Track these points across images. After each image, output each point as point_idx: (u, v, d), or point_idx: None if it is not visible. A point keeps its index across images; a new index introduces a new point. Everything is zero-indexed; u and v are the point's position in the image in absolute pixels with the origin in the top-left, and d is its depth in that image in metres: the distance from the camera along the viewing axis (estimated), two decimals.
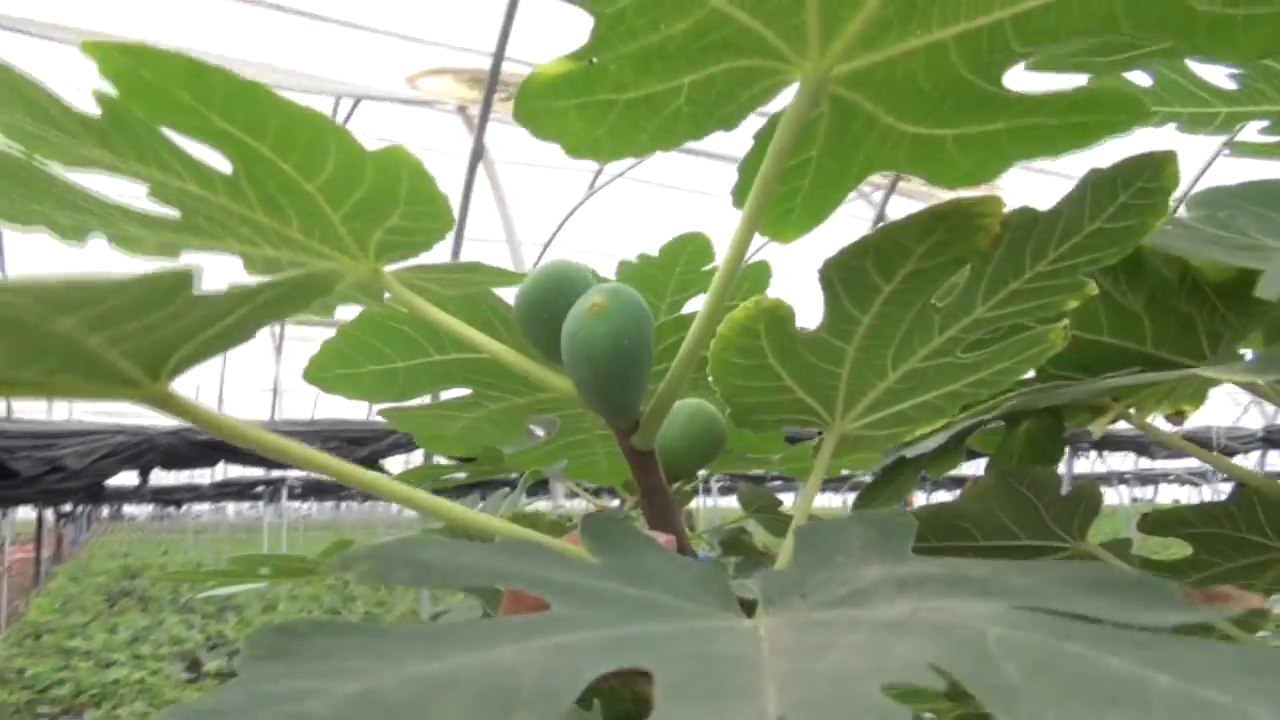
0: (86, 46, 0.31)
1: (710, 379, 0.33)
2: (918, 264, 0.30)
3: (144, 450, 3.83)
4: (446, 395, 0.61)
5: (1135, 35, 0.29)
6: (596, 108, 0.32)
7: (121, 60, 0.30)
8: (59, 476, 3.53)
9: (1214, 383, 0.45)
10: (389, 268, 0.38)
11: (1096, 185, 0.29)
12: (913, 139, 0.32)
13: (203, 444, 4.02)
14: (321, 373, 0.56)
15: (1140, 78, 0.56)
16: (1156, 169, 0.28)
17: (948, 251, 0.30)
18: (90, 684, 6.24)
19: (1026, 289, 0.31)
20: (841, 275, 0.30)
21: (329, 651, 0.17)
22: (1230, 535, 0.53)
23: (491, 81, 5.08)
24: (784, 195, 0.34)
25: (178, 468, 4.80)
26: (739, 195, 0.32)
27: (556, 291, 0.35)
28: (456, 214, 0.47)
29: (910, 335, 0.33)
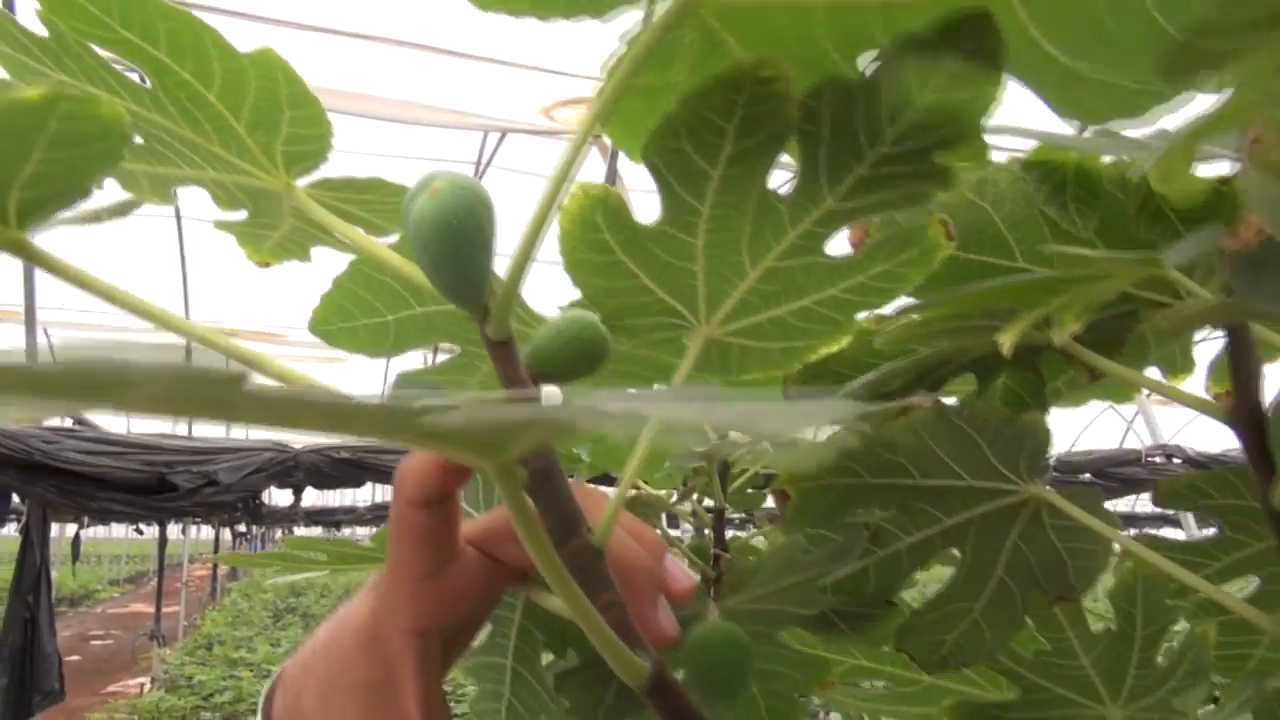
0: None
1: (572, 282, 0.33)
2: (735, 145, 0.29)
3: (290, 467, 4.05)
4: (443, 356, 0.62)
5: None
6: None
7: None
8: (213, 490, 3.77)
9: (1188, 324, 0.42)
10: (300, 182, 0.39)
11: (919, 49, 0.27)
12: None
13: (345, 462, 4.21)
14: (324, 325, 0.57)
15: None
16: (977, 29, 0.26)
17: (761, 127, 0.28)
18: (250, 693, 6.61)
19: (877, 176, 0.30)
20: (665, 159, 0.30)
21: None
22: (1254, 508, 0.48)
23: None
24: (641, 111, 0.33)
25: (324, 486, 5.04)
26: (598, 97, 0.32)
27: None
28: None
29: (760, 229, 0.31)
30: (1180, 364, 0.55)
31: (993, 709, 0.49)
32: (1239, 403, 0.38)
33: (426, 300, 0.55)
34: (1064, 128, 0.37)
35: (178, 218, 7.96)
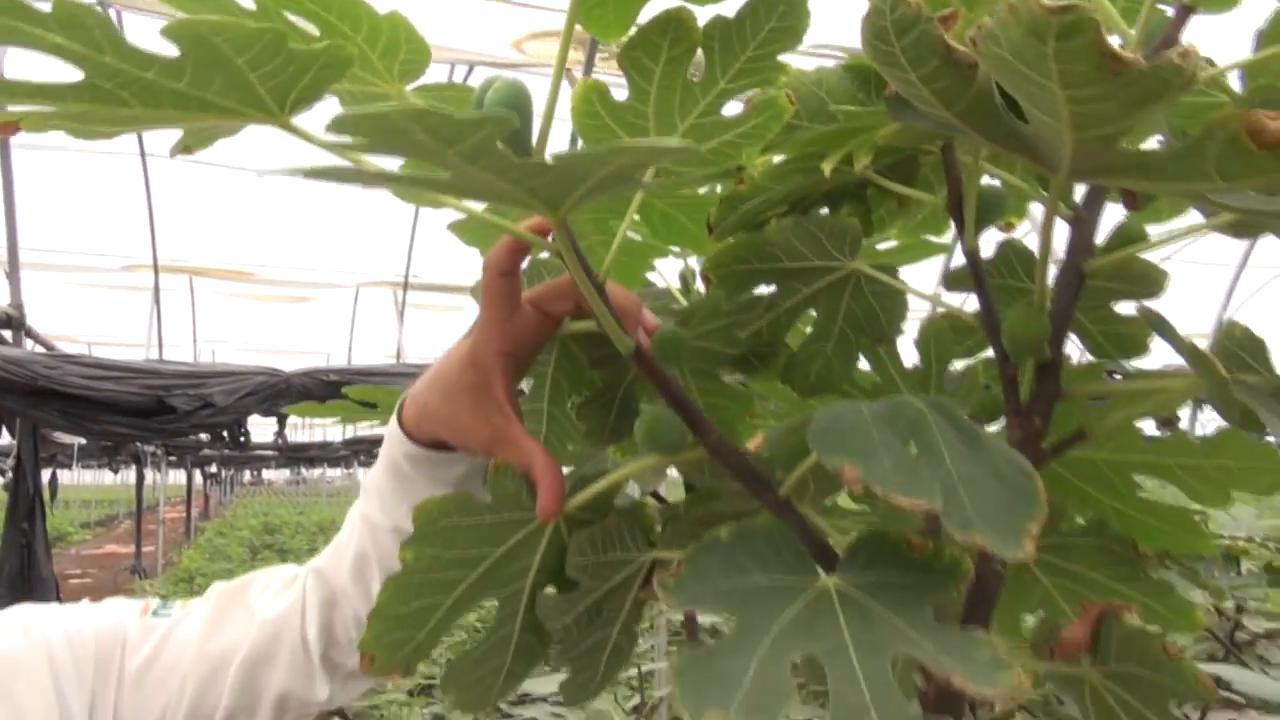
0: None
1: (578, 135, 0.59)
2: (668, 53, 0.54)
3: (281, 390, 4.30)
4: None
5: None
6: None
7: None
8: (210, 412, 4.02)
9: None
10: (407, 88, 0.65)
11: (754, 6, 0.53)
12: None
13: (333, 384, 4.47)
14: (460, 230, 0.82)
15: None
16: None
17: (681, 44, 0.54)
18: None
19: (746, 69, 0.56)
20: (630, 62, 0.56)
21: None
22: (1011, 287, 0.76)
23: (593, 43, 5.37)
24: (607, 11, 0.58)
25: (312, 412, 5.29)
26: None
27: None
28: None
29: (684, 101, 0.57)
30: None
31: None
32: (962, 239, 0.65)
33: None
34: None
35: (142, 155, 8.04)
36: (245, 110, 0.53)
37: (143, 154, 8.01)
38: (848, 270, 0.69)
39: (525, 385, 0.77)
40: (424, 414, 0.70)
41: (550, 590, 0.68)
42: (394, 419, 0.73)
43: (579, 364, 0.74)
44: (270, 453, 12.89)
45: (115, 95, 0.52)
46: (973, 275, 0.62)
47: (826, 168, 0.62)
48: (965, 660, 0.39)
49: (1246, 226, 0.64)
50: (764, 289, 0.71)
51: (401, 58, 0.63)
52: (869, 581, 0.45)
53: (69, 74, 0.52)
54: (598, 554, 0.65)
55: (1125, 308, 0.70)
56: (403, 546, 0.61)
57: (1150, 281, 0.71)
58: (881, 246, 0.82)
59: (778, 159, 0.67)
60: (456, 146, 0.41)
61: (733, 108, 0.61)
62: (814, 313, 0.72)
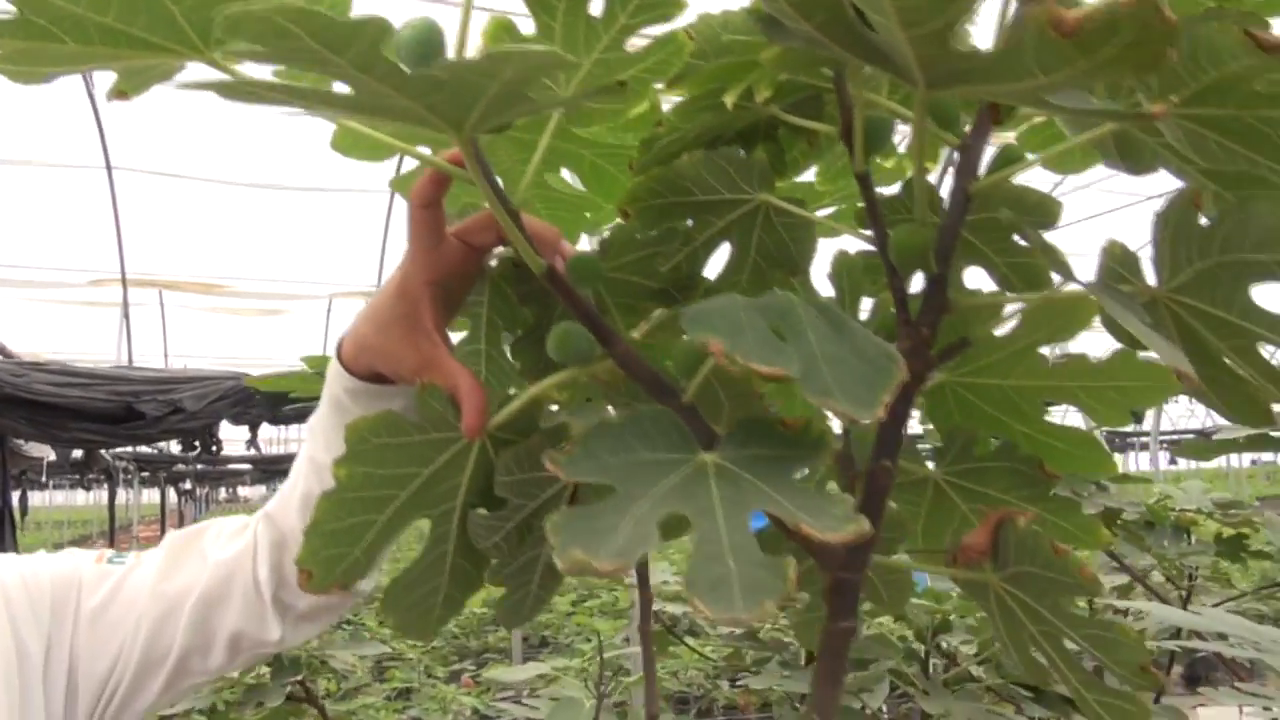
0: None
1: None
2: None
3: (251, 395, 4.30)
4: None
5: None
6: None
7: None
8: (179, 417, 4.02)
9: None
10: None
11: None
12: None
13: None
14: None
15: None
16: None
17: None
18: None
19: (645, 4, 0.60)
20: (537, 3, 0.60)
21: None
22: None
23: None
24: None
25: (279, 421, 5.31)
26: None
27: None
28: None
29: (588, 37, 0.61)
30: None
31: None
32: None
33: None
34: None
35: (108, 168, 8.01)
36: (171, 45, 0.56)
37: (108, 166, 7.98)
38: (757, 202, 0.73)
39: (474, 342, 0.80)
40: (360, 347, 0.74)
41: (482, 511, 0.71)
42: (334, 356, 0.77)
43: (511, 303, 0.78)
44: (245, 467, 12.80)
45: (49, 31, 0.56)
46: (863, 196, 0.66)
47: (728, 100, 0.66)
48: (817, 514, 0.44)
49: (1127, 152, 0.69)
50: (680, 224, 0.75)
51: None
52: (744, 456, 0.49)
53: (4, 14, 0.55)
54: (524, 472, 0.68)
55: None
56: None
57: (1045, 211, 0.75)
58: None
59: (687, 97, 0.71)
60: (345, 54, 0.44)
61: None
62: (729, 245, 0.76)
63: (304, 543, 0.66)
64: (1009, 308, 0.77)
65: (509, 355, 0.80)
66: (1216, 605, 2.41)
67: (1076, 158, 0.81)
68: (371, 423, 0.65)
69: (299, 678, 1.93)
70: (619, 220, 0.73)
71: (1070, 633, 0.66)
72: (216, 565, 0.84)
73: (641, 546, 0.41)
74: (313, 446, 0.81)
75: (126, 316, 9.66)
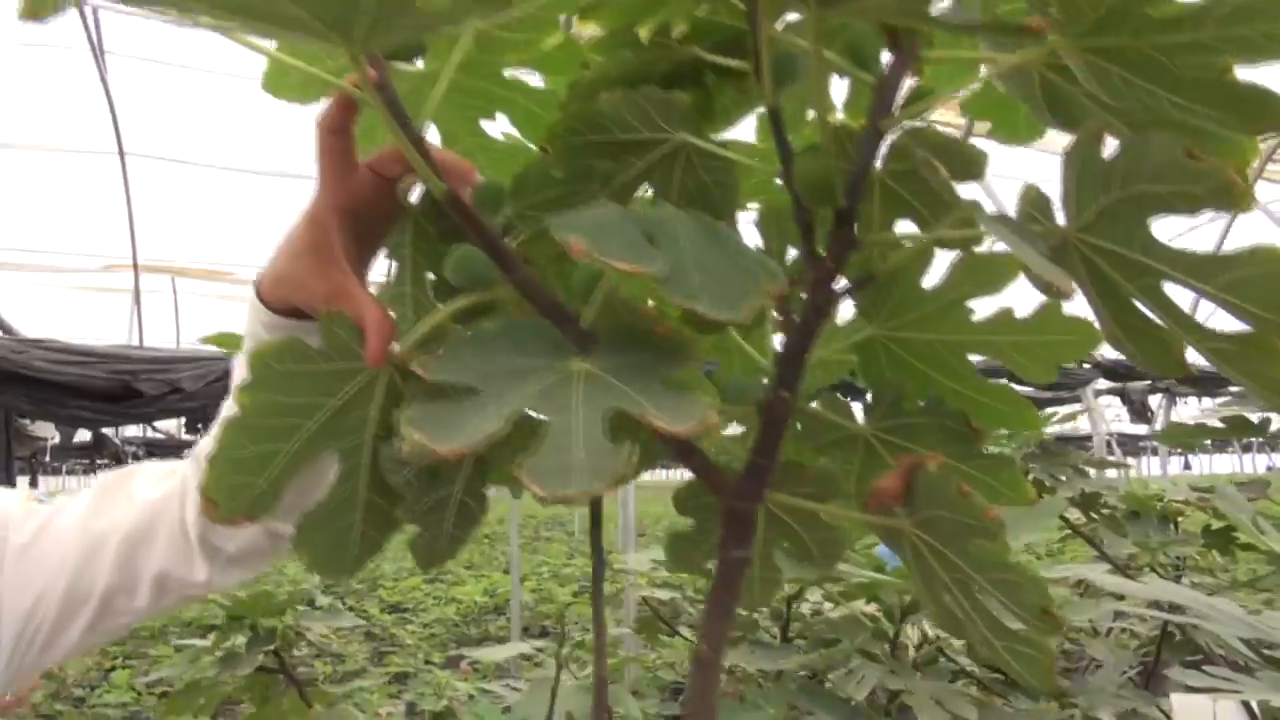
0: None
1: None
2: None
3: None
4: None
5: None
6: None
7: None
8: (178, 397, 4.04)
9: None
10: None
11: None
12: None
13: None
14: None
15: None
16: None
17: None
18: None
19: None
20: None
21: None
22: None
23: None
24: None
25: None
26: None
27: None
28: None
29: None
30: None
31: None
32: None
33: None
34: None
35: (121, 154, 8.05)
36: None
37: (121, 152, 8.03)
38: (677, 142, 0.73)
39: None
40: (276, 279, 0.73)
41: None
42: (252, 291, 0.77)
43: (433, 241, 0.77)
44: None
45: None
46: (773, 131, 0.65)
47: (643, 33, 0.65)
48: (671, 411, 0.43)
49: (1056, 105, 0.68)
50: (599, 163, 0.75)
51: None
52: (615, 363, 0.49)
53: None
54: None
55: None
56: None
57: (971, 161, 0.75)
58: None
59: (605, 32, 0.71)
60: None
61: None
62: (649, 187, 0.76)
63: (208, 470, 0.66)
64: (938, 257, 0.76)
65: (432, 296, 0.79)
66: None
67: (1023, 126, 0.80)
68: (276, 348, 0.65)
69: (273, 647, 1.93)
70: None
71: (976, 577, 0.66)
72: (144, 505, 0.85)
73: (483, 436, 0.41)
74: (233, 382, 0.81)
75: (138, 302, 9.71)
